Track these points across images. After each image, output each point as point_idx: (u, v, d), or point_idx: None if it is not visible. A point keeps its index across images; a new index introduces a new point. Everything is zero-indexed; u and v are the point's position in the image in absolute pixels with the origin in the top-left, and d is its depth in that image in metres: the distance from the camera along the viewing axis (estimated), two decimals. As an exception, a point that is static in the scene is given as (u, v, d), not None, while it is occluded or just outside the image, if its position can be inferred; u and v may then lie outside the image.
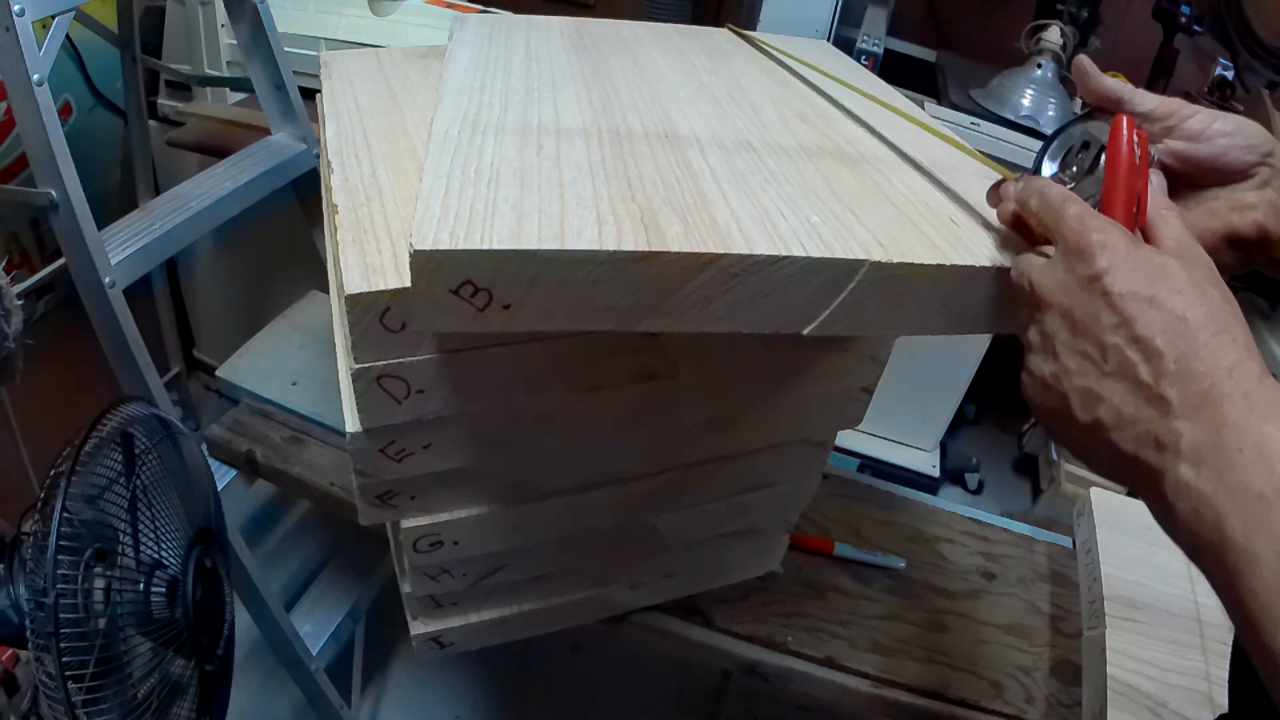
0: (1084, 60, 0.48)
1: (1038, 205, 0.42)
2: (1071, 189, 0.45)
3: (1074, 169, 0.48)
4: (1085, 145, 0.48)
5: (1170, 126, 0.47)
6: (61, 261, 0.81)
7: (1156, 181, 0.44)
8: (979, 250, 0.46)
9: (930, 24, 1.83)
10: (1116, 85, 0.47)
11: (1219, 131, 0.46)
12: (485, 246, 0.40)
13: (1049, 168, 0.49)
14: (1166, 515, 0.34)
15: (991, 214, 0.49)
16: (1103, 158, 0.45)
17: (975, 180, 0.56)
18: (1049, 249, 0.41)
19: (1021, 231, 0.45)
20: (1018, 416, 1.94)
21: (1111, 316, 0.36)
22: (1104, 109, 0.48)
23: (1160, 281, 0.36)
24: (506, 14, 0.82)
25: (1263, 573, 0.30)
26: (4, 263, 0.80)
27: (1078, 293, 0.38)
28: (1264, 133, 0.46)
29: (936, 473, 1.72)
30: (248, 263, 1.57)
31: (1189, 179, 0.48)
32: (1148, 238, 0.41)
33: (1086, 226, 0.39)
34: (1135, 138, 0.43)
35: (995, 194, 0.48)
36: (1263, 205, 0.46)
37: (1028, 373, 0.41)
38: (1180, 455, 0.33)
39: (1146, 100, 0.47)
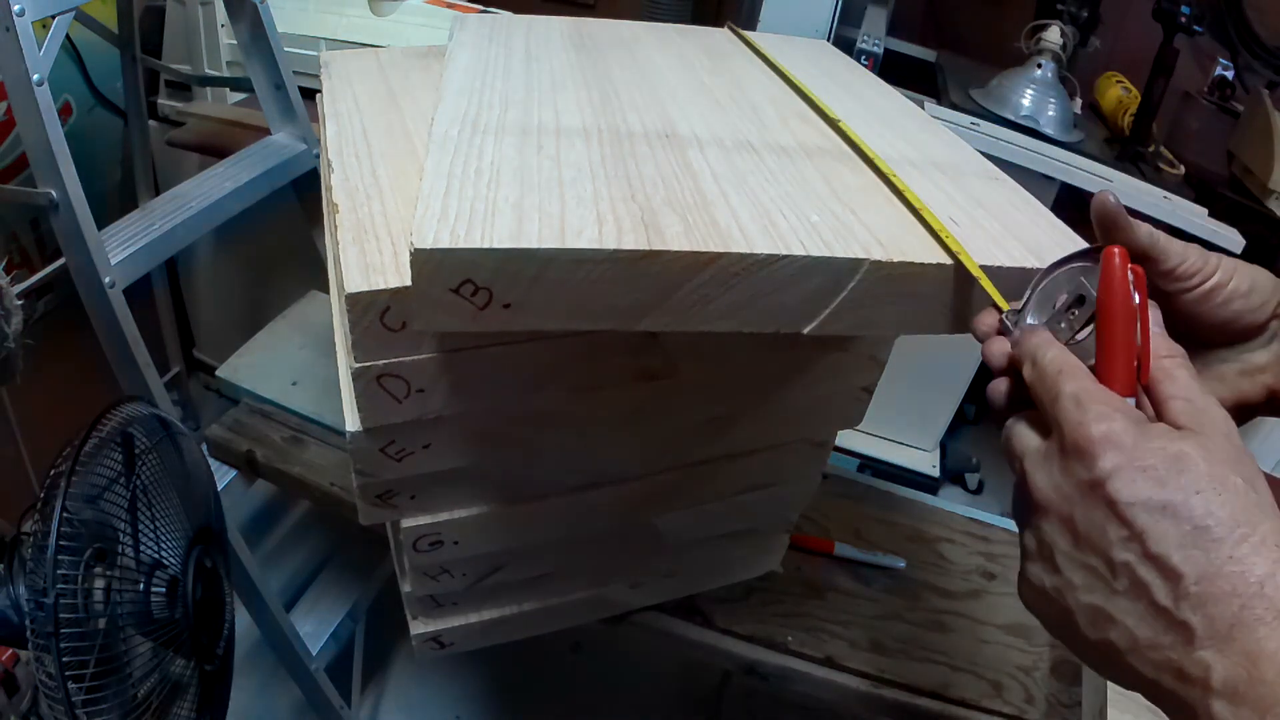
0: (1110, 201, 0.40)
1: (1031, 375, 0.37)
2: (1067, 343, 0.38)
3: (1068, 321, 0.40)
4: (1079, 300, 0.39)
5: (1191, 286, 0.42)
6: (61, 261, 0.81)
7: (1155, 323, 0.38)
8: (979, 250, 0.46)
9: (930, 24, 1.84)
10: (1149, 238, 0.41)
11: (1236, 293, 0.42)
12: (485, 246, 0.40)
13: (1037, 316, 0.41)
14: None
15: (994, 213, 0.49)
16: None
17: (976, 180, 0.56)
18: (1040, 442, 0.36)
19: (1012, 375, 0.40)
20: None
21: (1120, 530, 0.32)
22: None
23: (1174, 481, 0.32)
24: (506, 14, 0.82)
25: None
26: (4, 263, 0.80)
27: (1079, 500, 0.33)
28: (1273, 282, 0.42)
29: (936, 473, 1.72)
30: (248, 263, 1.57)
31: (1199, 339, 0.43)
32: (1154, 399, 0.36)
33: (1086, 418, 0.34)
34: (1131, 276, 0.36)
35: (983, 324, 0.43)
36: (1271, 367, 0.43)
37: (1026, 581, 0.36)
38: (1211, 691, 0.29)
39: (1173, 255, 0.41)
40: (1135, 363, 0.36)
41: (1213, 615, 0.30)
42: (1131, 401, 0.36)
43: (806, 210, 0.48)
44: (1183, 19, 1.38)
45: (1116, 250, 0.37)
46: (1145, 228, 0.41)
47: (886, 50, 1.42)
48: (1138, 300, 0.36)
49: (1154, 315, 0.38)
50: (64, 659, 0.59)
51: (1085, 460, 0.33)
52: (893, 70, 1.52)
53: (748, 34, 0.81)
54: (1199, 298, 0.41)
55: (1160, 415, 0.35)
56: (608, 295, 0.43)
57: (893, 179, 0.53)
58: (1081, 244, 0.51)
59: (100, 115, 1.47)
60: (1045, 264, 0.42)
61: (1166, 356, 0.36)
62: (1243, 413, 0.43)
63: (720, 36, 0.81)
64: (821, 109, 0.64)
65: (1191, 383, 0.36)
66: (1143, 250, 0.40)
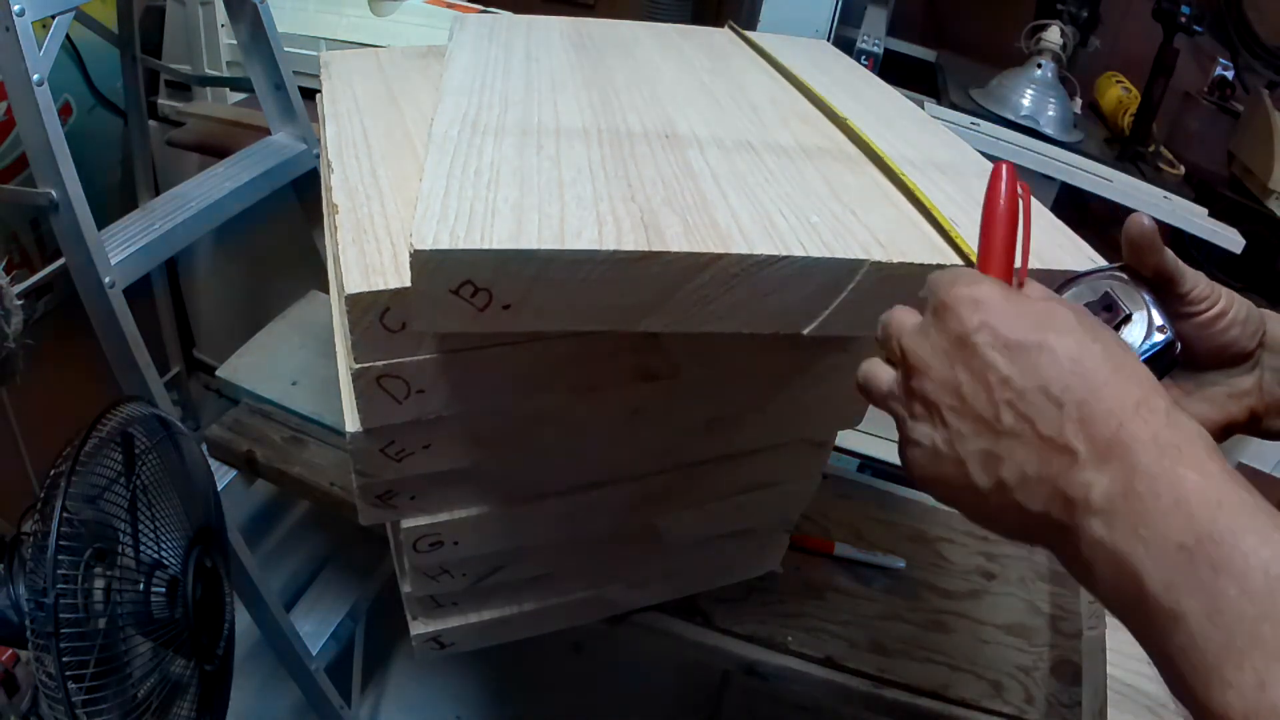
0: (1147, 223, 0.41)
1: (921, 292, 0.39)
2: None
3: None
4: (1107, 308, 0.42)
5: (1200, 312, 0.43)
6: (61, 261, 0.81)
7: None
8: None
9: (930, 24, 1.83)
10: (1174, 264, 0.42)
11: (1234, 320, 0.43)
12: (485, 246, 0.40)
13: None
14: (1085, 574, 0.32)
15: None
16: (1126, 324, 0.41)
17: (975, 180, 0.56)
18: (916, 318, 0.38)
19: None
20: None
21: (1000, 372, 0.34)
22: (1132, 267, 0.43)
23: (1048, 323, 0.34)
24: (506, 14, 0.82)
25: (1191, 630, 0.28)
26: (4, 263, 0.80)
27: (957, 354, 0.35)
28: (1258, 313, 0.45)
29: (936, 473, 1.71)
30: (248, 263, 1.57)
31: (1195, 363, 0.45)
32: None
33: (956, 281, 0.36)
34: (1018, 189, 0.40)
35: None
36: (1254, 391, 0.45)
37: (913, 444, 0.37)
38: (1092, 510, 0.31)
39: (1189, 281, 0.43)
40: (1013, 264, 0.39)
41: (1093, 435, 0.31)
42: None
43: (806, 211, 0.48)
44: (1183, 19, 1.38)
45: (1006, 165, 0.40)
46: (1173, 256, 0.43)
47: (886, 50, 1.42)
48: (1023, 207, 0.40)
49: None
50: (64, 659, 0.59)
51: (959, 316, 0.35)
52: (893, 70, 1.51)
53: (750, 34, 0.81)
54: (1204, 323, 0.43)
55: None
56: (608, 296, 0.43)
57: (903, 179, 0.53)
58: (1081, 243, 0.51)
59: (100, 115, 1.47)
60: (1046, 264, 0.42)
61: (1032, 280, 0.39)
62: (1227, 431, 0.45)
63: (721, 37, 0.81)
64: (829, 109, 0.64)
65: (1051, 293, 0.38)
66: (1168, 274, 0.42)
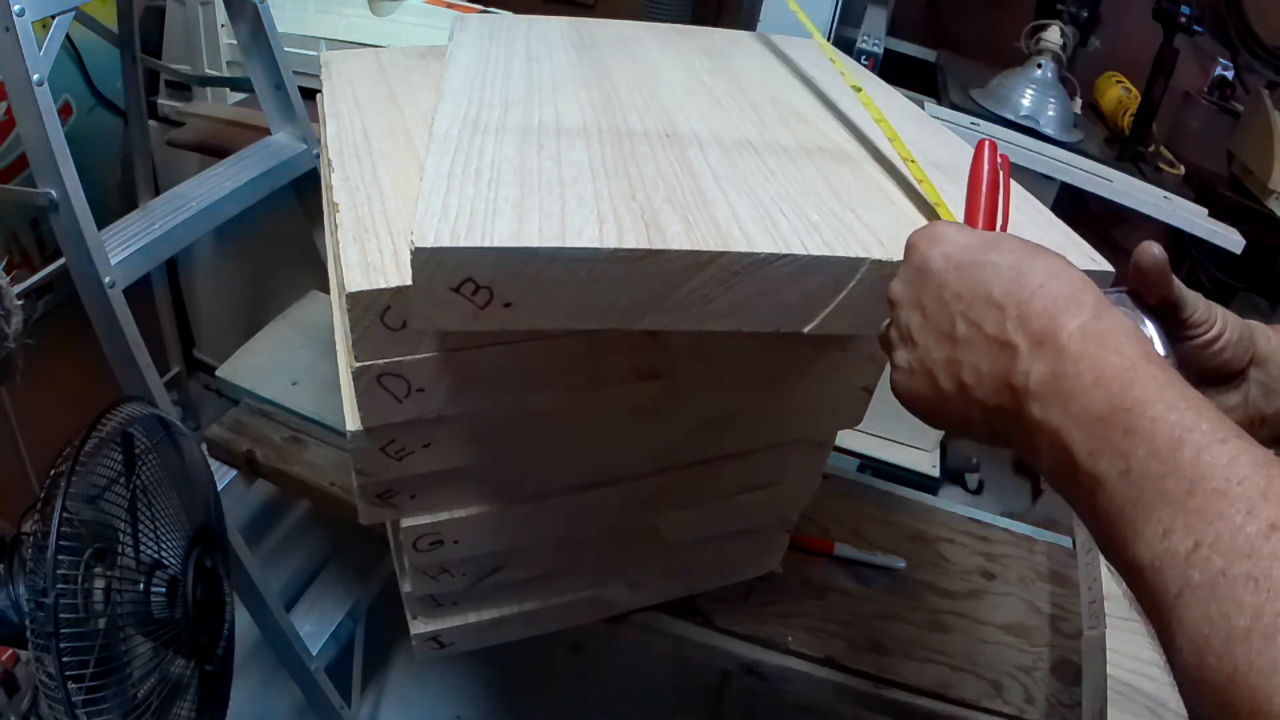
0: (1158, 257, 0.43)
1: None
2: None
3: None
4: None
5: (1198, 335, 0.45)
6: (61, 261, 0.81)
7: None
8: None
9: (930, 24, 1.83)
10: (1180, 292, 0.44)
11: (1229, 342, 0.45)
12: (486, 245, 0.40)
13: None
14: (1034, 456, 0.35)
15: None
16: None
17: (975, 179, 0.56)
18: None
19: None
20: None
21: (952, 289, 0.39)
22: (1139, 293, 0.44)
23: (993, 248, 0.39)
24: (506, 14, 0.82)
25: (1110, 491, 0.31)
26: (4, 263, 0.80)
27: (918, 282, 0.40)
28: (1250, 331, 0.46)
29: (936, 473, 1.72)
30: (248, 263, 1.57)
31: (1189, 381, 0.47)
32: None
33: (924, 228, 0.42)
34: (999, 161, 0.46)
35: None
36: (1241, 407, 0.46)
37: (896, 370, 0.42)
38: (1031, 394, 0.35)
39: (1189, 304, 0.45)
40: (992, 216, 0.44)
41: (1030, 330, 0.35)
42: None
43: (807, 209, 0.48)
44: (1183, 19, 1.38)
45: (988, 141, 0.47)
46: (1180, 285, 0.45)
47: (886, 50, 1.42)
48: (1003, 175, 0.45)
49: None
50: (64, 659, 0.59)
51: (920, 251, 0.41)
52: (893, 70, 1.51)
53: (837, 54, 0.77)
54: (1202, 344, 0.45)
55: None
56: (608, 295, 0.43)
57: (922, 179, 0.53)
58: (1081, 242, 0.51)
59: (100, 115, 1.47)
60: None
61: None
62: None
63: (720, 37, 0.81)
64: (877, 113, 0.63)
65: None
66: (1174, 302, 0.45)
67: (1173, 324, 0.45)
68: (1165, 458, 0.30)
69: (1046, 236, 0.50)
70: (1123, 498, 0.30)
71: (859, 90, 0.61)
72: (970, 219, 0.45)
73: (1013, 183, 0.58)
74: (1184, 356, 0.45)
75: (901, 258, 0.45)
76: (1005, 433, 0.37)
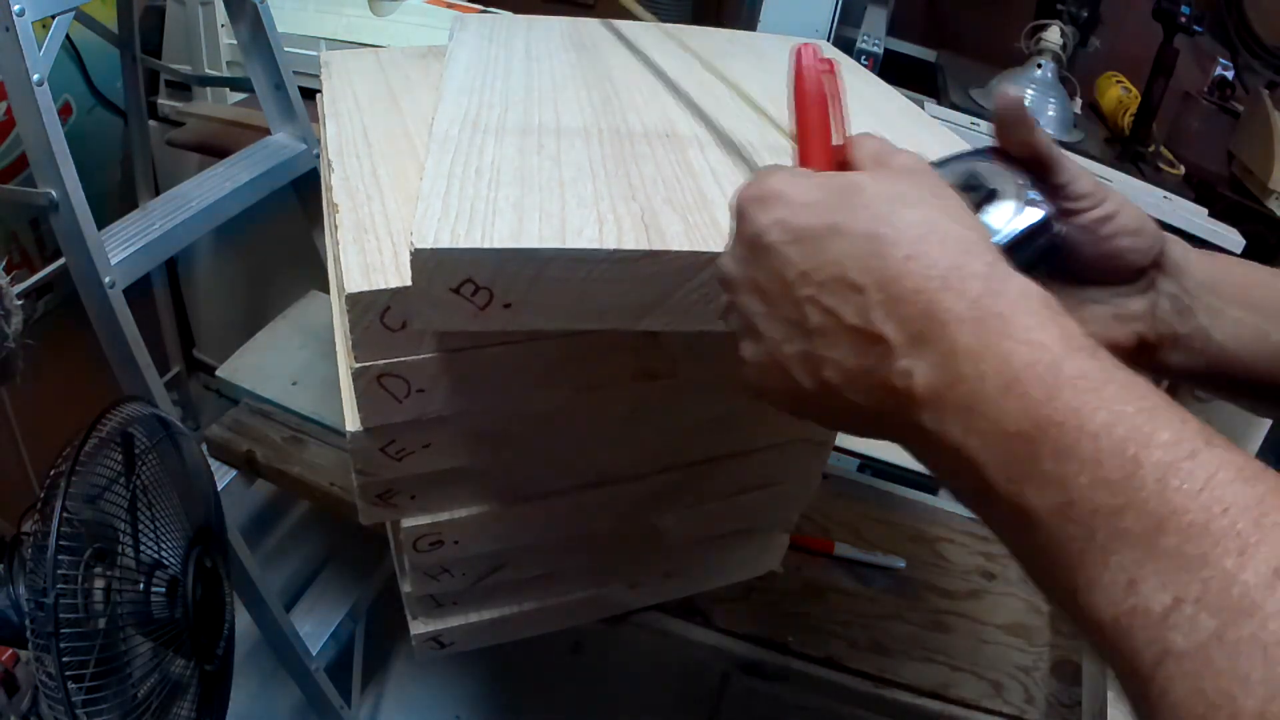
0: (1012, 99, 0.38)
1: None
2: None
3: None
4: (969, 189, 0.37)
5: (1080, 210, 0.39)
6: (61, 261, 0.81)
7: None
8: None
9: (930, 24, 1.83)
10: (1048, 145, 0.38)
11: (1123, 229, 0.39)
12: (486, 245, 0.40)
13: None
14: (933, 468, 0.29)
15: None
16: (992, 201, 0.36)
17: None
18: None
19: None
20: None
21: (794, 267, 0.30)
22: (1003, 149, 0.39)
23: (842, 205, 0.30)
24: (506, 14, 0.82)
25: (1044, 527, 0.24)
26: (4, 263, 0.80)
27: (754, 259, 0.32)
28: (1156, 231, 0.40)
29: (936, 473, 1.71)
30: (248, 263, 1.57)
31: (1075, 273, 0.40)
32: (849, 166, 0.35)
33: (746, 185, 0.33)
34: (822, 65, 0.36)
35: None
36: (1145, 316, 0.40)
37: (742, 363, 0.35)
38: (916, 402, 0.27)
39: (1068, 171, 0.38)
40: (827, 140, 0.36)
41: (903, 318, 0.28)
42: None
43: (807, 210, 0.48)
44: (1183, 19, 1.38)
45: (806, 46, 0.37)
46: (1047, 136, 0.38)
47: (886, 50, 1.42)
48: (832, 84, 0.36)
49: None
50: (64, 659, 0.59)
51: (746, 218, 0.32)
52: (893, 70, 1.51)
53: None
54: (1085, 224, 0.39)
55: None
56: (608, 295, 0.43)
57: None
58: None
59: (100, 115, 1.47)
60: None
61: (862, 134, 0.36)
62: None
63: (720, 37, 0.81)
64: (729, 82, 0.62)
65: (883, 141, 0.34)
66: (1041, 156, 0.38)
67: (1050, 191, 0.38)
68: (1119, 486, 0.23)
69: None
70: (1064, 536, 0.24)
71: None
72: (805, 157, 0.36)
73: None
74: (1068, 237, 0.38)
75: None
76: (893, 436, 0.30)
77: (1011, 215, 0.35)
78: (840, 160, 0.36)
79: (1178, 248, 0.41)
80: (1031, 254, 0.35)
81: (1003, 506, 0.25)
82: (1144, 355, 0.41)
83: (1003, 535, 0.27)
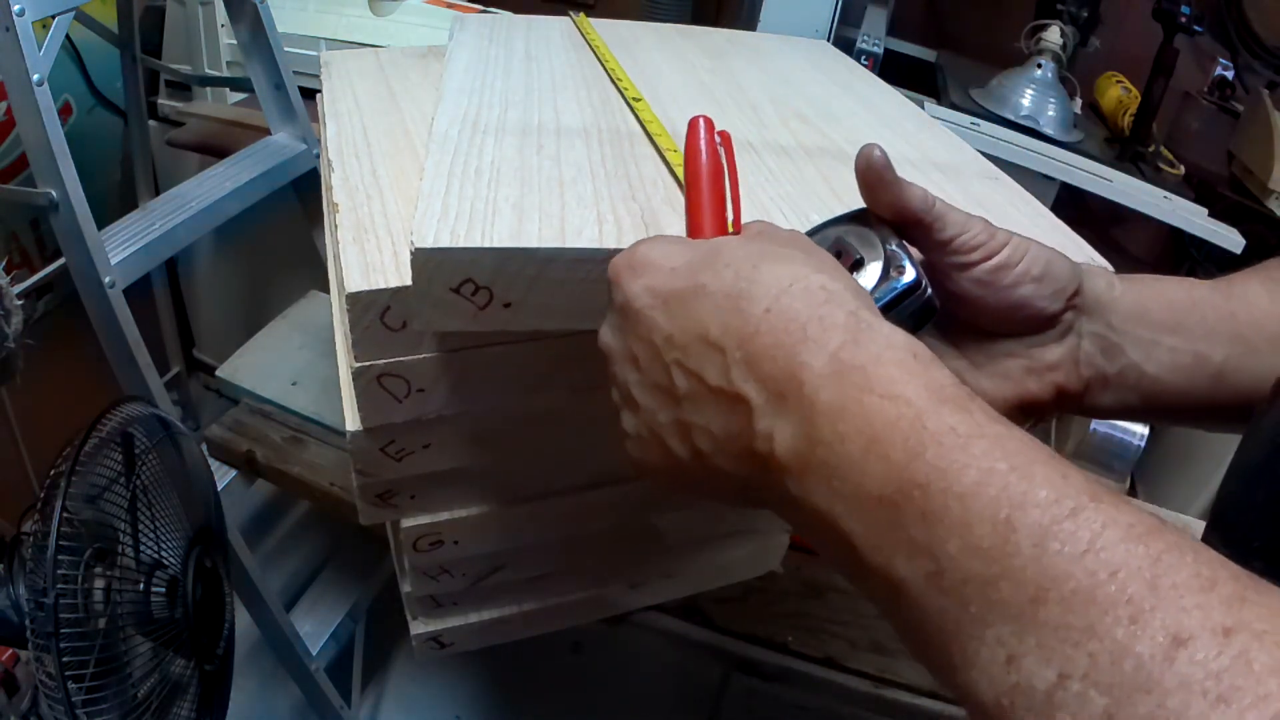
0: (876, 157, 0.34)
1: None
2: None
3: None
4: (838, 254, 0.35)
5: (971, 263, 0.36)
6: (61, 261, 0.81)
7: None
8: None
9: (930, 24, 1.83)
10: (922, 201, 0.35)
11: (1025, 276, 0.36)
12: (486, 245, 0.40)
13: None
14: (808, 539, 0.27)
15: (994, 213, 0.49)
16: (859, 269, 0.35)
17: (976, 180, 0.56)
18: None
19: None
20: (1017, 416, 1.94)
21: (660, 331, 0.30)
22: (872, 212, 0.36)
23: (707, 266, 0.29)
24: (506, 14, 0.82)
25: (915, 599, 0.22)
26: (4, 263, 0.80)
27: (625, 328, 0.32)
28: (1071, 268, 0.37)
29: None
30: (248, 263, 1.57)
31: (980, 326, 0.38)
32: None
33: (619, 255, 0.33)
34: (715, 139, 0.37)
35: None
36: (1064, 365, 0.37)
37: (626, 438, 0.34)
38: (781, 467, 0.26)
39: (952, 225, 0.35)
40: (719, 213, 0.35)
41: (763, 376, 0.26)
42: None
43: (807, 210, 0.48)
44: (1183, 19, 1.38)
45: (702, 118, 0.37)
46: (919, 190, 0.35)
47: (886, 50, 1.42)
48: (727, 159, 0.36)
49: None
50: (64, 659, 0.59)
51: (621, 286, 0.32)
52: (893, 70, 1.51)
53: (589, 23, 0.78)
54: (981, 277, 0.36)
55: None
56: (608, 295, 0.43)
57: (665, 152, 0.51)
58: (1081, 243, 0.51)
59: (100, 115, 1.47)
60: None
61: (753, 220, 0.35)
62: (1027, 412, 0.38)
63: (720, 37, 0.81)
64: (622, 86, 0.62)
65: (772, 224, 0.34)
66: (914, 216, 0.35)
67: (934, 248, 0.36)
68: (991, 553, 0.21)
69: (1047, 237, 0.50)
70: (937, 609, 0.22)
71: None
72: (694, 228, 0.35)
73: (1012, 183, 0.57)
74: (964, 292, 0.36)
75: None
76: (768, 506, 0.29)
77: (877, 280, 0.34)
78: (735, 230, 0.35)
79: (1099, 282, 0.38)
80: (904, 318, 0.33)
81: (874, 578, 0.24)
82: (1067, 403, 0.38)
83: (880, 608, 0.25)
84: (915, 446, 0.23)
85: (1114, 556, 0.19)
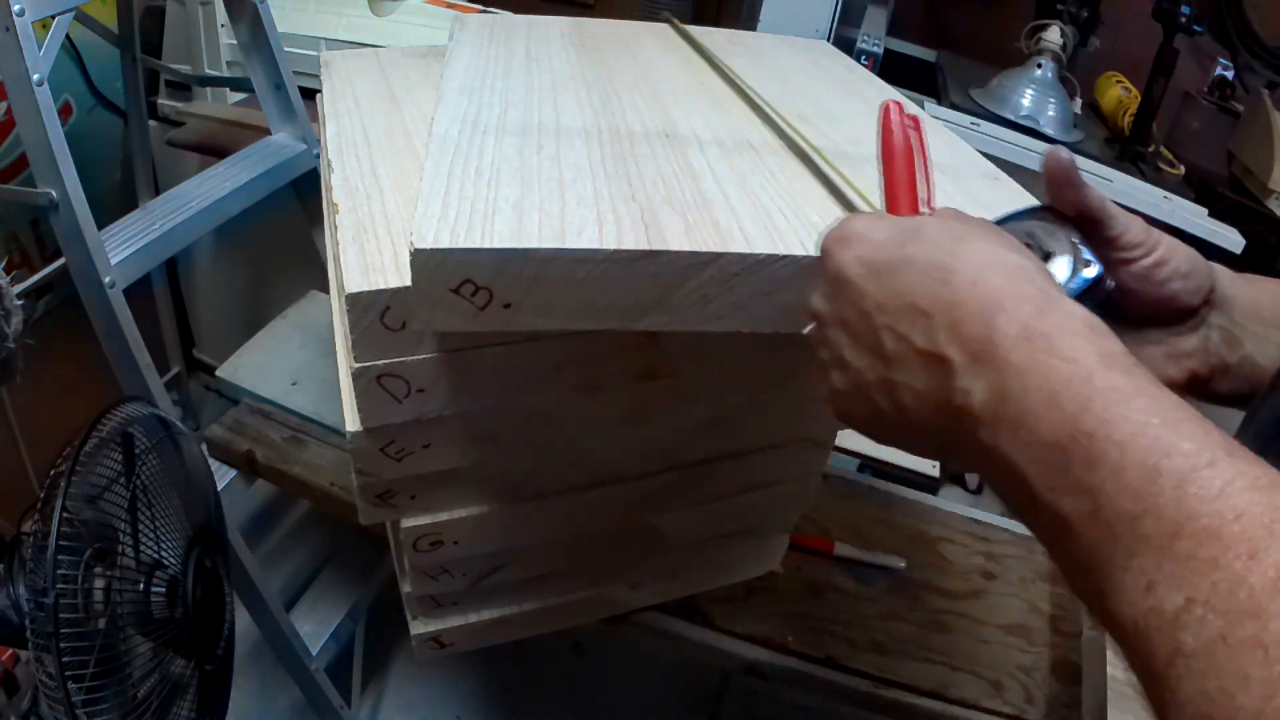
0: (1064, 158, 0.40)
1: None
2: None
3: None
4: (1027, 247, 0.38)
5: (1134, 259, 0.41)
6: (61, 261, 0.81)
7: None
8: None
9: (930, 24, 1.84)
10: (1099, 201, 0.40)
11: (1176, 272, 0.41)
12: (485, 245, 0.40)
13: None
14: (992, 484, 0.31)
15: (994, 213, 0.49)
16: (1048, 261, 0.38)
17: (976, 180, 0.56)
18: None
19: None
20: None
21: (871, 300, 0.34)
22: (1055, 209, 0.41)
23: (911, 241, 0.33)
24: (506, 14, 0.82)
25: (1076, 533, 0.26)
26: (4, 263, 0.80)
27: (838, 297, 0.36)
28: (1207, 268, 0.42)
29: (936, 473, 1.71)
30: (248, 263, 1.57)
31: (1131, 318, 0.42)
32: None
33: (830, 230, 0.37)
34: (908, 122, 0.40)
35: None
36: (1198, 353, 0.42)
37: (834, 394, 0.37)
38: (975, 417, 0.30)
39: (1119, 224, 0.40)
40: (914, 193, 0.39)
41: (965, 339, 0.30)
42: None
43: (807, 210, 0.48)
44: (1183, 19, 1.38)
45: (893, 102, 0.40)
46: (1096, 190, 0.40)
47: (886, 50, 1.42)
48: (920, 143, 0.39)
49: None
50: (64, 659, 0.59)
51: (834, 258, 0.36)
52: (893, 70, 1.51)
53: (690, 29, 0.79)
54: (1139, 272, 0.40)
55: None
56: (608, 295, 0.43)
57: (826, 164, 0.52)
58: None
59: (100, 115, 1.47)
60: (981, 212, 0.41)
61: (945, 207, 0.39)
62: None
63: (720, 37, 0.81)
64: (756, 102, 0.63)
65: (959, 210, 0.38)
66: (1092, 213, 0.39)
67: (1101, 243, 0.40)
68: (1140, 492, 0.24)
69: None
70: (1093, 542, 0.25)
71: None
72: (892, 205, 0.40)
73: (1012, 183, 0.58)
74: (1122, 285, 0.40)
75: None
76: (959, 456, 0.33)
77: (1067, 275, 0.38)
78: (930, 208, 0.39)
79: (1224, 278, 0.42)
80: (1088, 308, 0.37)
81: (1044, 515, 0.27)
82: (1195, 387, 0.43)
83: (1047, 545, 0.28)
84: (1084, 400, 0.26)
85: (1239, 502, 0.23)
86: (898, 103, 0.40)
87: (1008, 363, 0.29)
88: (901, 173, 0.39)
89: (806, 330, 0.40)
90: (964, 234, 0.33)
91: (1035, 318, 0.29)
